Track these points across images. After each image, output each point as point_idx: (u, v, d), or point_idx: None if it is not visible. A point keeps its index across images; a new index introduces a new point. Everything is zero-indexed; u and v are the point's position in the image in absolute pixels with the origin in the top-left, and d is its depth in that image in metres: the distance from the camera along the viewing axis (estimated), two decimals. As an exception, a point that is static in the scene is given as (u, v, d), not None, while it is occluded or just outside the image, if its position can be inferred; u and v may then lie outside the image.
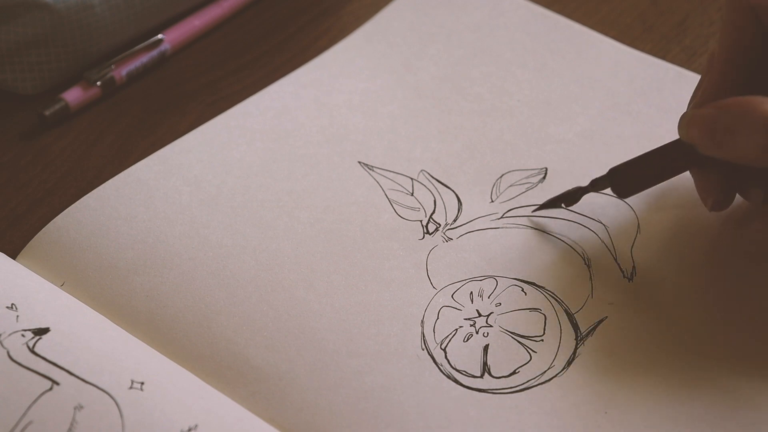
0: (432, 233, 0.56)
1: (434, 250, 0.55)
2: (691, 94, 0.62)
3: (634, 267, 0.54)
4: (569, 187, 0.56)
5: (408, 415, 0.49)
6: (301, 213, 0.57)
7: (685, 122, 0.52)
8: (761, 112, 0.47)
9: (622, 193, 0.55)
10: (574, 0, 0.70)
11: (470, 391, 0.50)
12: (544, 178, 0.58)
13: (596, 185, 0.55)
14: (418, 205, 0.57)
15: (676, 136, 0.60)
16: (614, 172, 0.55)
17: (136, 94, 0.65)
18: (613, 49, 0.65)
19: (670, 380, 0.50)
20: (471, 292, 0.53)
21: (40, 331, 0.50)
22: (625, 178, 0.54)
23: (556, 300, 0.53)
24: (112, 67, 0.64)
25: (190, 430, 0.47)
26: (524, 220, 0.56)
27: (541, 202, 0.57)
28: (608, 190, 0.55)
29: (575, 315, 0.52)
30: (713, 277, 0.54)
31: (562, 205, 0.56)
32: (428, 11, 0.68)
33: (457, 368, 0.51)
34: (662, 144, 0.54)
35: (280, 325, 0.52)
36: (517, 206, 0.57)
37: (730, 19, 0.51)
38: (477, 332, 0.52)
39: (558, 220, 0.56)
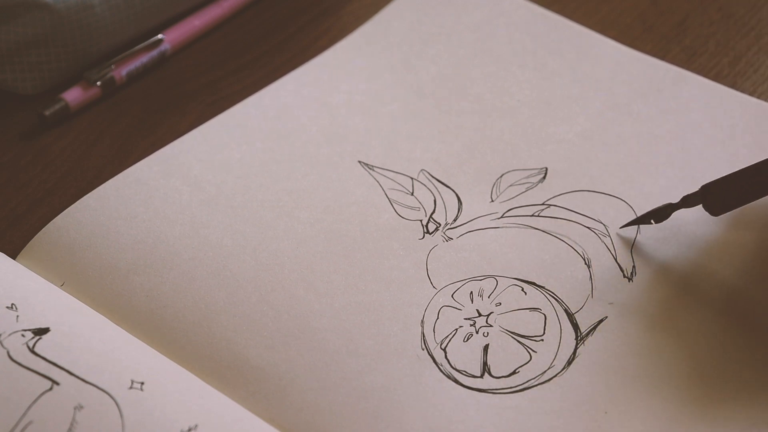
0: (432, 233, 0.56)
1: (434, 249, 0.55)
2: (690, 95, 0.62)
3: (634, 267, 0.54)
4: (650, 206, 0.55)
5: (408, 415, 0.49)
6: (301, 213, 0.57)
7: None
8: None
9: (714, 211, 0.53)
10: (574, 0, 0.70)
11: (470, 391, 0.50)
12: (544, 178, 0.58)
13: (688, 202, 0.54)
14: (418, 205, 0.57)
15: (675, 136, 0.60)
16: (707, 188, 0.53)
17: (136, 94, 0.65)
18: (613, 50, 0.65)
19: (669, 380, 0.50)
20: (471, 292, 0.53)
21: (40, 331, 0.50)
22: (717, 195, 0.53)
23: (556, 300, 0.53)
24: (112, 67, 0.64)
25: (190, 430, 0.47)
26: (524, 220, 0.56)
27: (541, 202, 0.57)
28: (699, 207, 0.54)
29: (575, 315, 0.52)
30: (713, 277, 0.54)
31: (652, 221, 0.55)
32: (428, 11, 0.68)
33: (457, 368, 0.51)
34: (756, 161, 0.52)
35: (280, 325, 0.52)
36: (517, 206, 0.57)
37: None
38: (477, 332, 0.52)
39: (558, 220, 0.56)
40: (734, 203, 0.53)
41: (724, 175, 0.53)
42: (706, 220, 0.56)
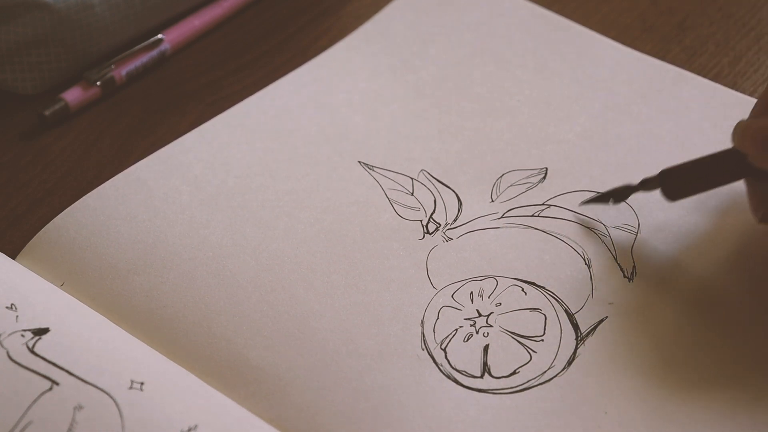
0: (432, 233, 0.56)
1: (434, 250, 0.55)
2: (690, 95, 0.62)
3: (634, 267, 0.54)
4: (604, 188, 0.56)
5: (408, 415, 0.49)
6: (301, 213, 0.57)
7: (739, 131, 0.51)
8: None
9: (671, 196, 0.54)
10: (574, 0, 0.70)
11: (470, 391, 0.50)
12: (544, 178, 0.58)
13: (646, 185, 0.55)
14: (418, 205, 0.57)
15: (673, 137, 0.60)
16: (666, 174, 0.54)
17: (136, 94, 0.65)
18: (613, 50, 0.65)
19: (669, 380, 0.50)
20: (471, 292, 0.53)
21: (40, 331, 0.50)
22: (676, 181, 0.54)
23: (556, 300, 0.53)
24: (112, 67, 0.64)
25: (190, 430, 0.47)
26: (524, 220, 0.56)
27: (541, 202, 0.57)
28: (658, 192, 0.54)
29: (575, 315, 0.52)
30: (713, 277, 0.53)
31: (611, 201, 0.56)
32: (428, 11, 0.68)
33: (457, 368, 0.50)
34: (717, 150, 0.53)
35: (280, 325, 0.52)
36: (518, 206, 0.57)
37: None
38: (477, 332, 0.52)
39: (558, 220, 0.56)
40: (691, 190, 0.54)
41: (683, 162, 0.54)
42: (707, 220, 0.56)
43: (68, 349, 0.49)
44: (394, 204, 0.57)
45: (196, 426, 0.47)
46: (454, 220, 0.57)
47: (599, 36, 0.66)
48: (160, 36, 0.66)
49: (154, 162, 0.60)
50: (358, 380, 0.50)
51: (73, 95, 0.63)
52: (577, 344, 0.51)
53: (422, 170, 0.59)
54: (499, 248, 0.55)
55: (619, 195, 0.56)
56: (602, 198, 0.56)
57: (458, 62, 0.65)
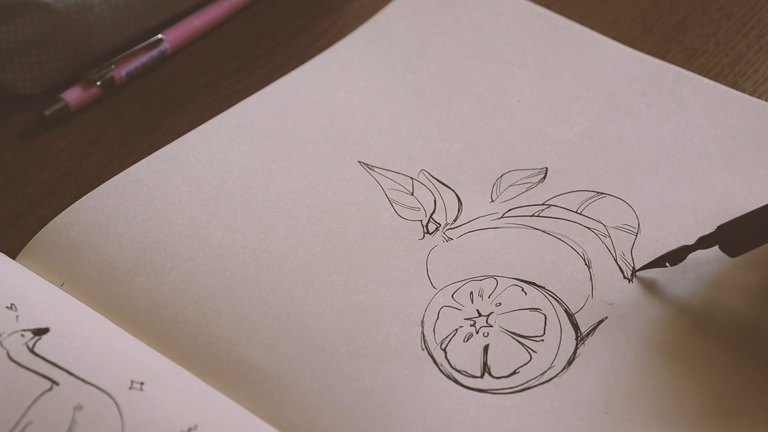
0: (432, 233, 0.56)
1: (434, 250, 0.55)
2: (690, 95, 0.62)
3: (634, 267, 0.54)
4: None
5: (408, 415, 0.49)
6: (301, 213, 0.57)
7: None
8: None
9: (731, 252, 0.52)
10: (574, 0, 0.70)
11: (470, 391, 0.50)
12: (544, 178, 0.58)
13: (703, 243, 0.52)
14: (418, 205, 0.57)
15: (673, 137, 0.60)
16: (723, 229, 0.52)
17: (136, 94, 0.65)
18: (613, 50, 0.65)
19: (669, 380, 0.50)
20: (471, 292, 0.53)
21: (40, 331, 0.50)
22: (734, 236, 0.52)
23: (556, 300, 0.53)
24: (112, 66, 0.64)
25: (190, 430, 0.47)
26: (524, 220, 0.56)
27: (541, 202, 0.57)
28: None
29: (575, 315, 0.52)
30: (713, 277, 0.53)
31: (667, 264, 0.53)
32: (428, 11, 0.68)
33: (457, 368, 0.50)
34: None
35: (280, 325, 0.52)
36: (518, 206, 0.57)
37: None
38: (477, 332, 0.52)
39: (558, 220, 0.56)
40: (752, 243, 0.52)
41: (740, 215, 0.52)
42: (708, 221, 0.56)
43: (68, 349, 0.49)
44: (394, 204, 0.57)
45: (196, 426, 0.47)
46: (454, 220, 0.57)
47: (599, 36, 0.66)
48: (160, 36, 0.66)
49: (154, 162, 0.60)
50: (358, 380, 0.50)
51: (73, 95, 0.63)
52: (577, 344, 0.51)
53: (422, 170, 0.59)
54: (499, 248, 0.55)
55: (675, 257, 0.53)
56: (658, 262, 0.54)
57: (458, 62, 0.65)
